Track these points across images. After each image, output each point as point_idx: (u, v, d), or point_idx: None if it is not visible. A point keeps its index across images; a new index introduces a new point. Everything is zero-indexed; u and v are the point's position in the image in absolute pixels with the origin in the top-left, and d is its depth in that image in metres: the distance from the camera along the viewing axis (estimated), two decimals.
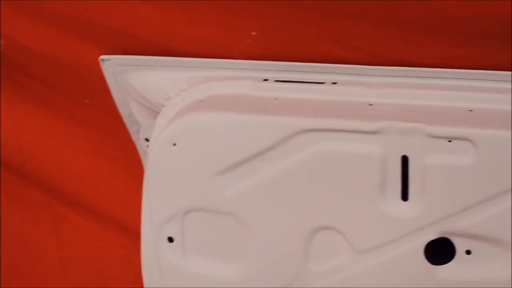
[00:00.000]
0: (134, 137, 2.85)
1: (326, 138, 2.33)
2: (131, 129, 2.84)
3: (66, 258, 3.40)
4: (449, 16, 2.23)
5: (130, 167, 2.98)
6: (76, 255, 3.38)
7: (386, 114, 2.30)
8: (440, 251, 2.34)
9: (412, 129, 2.25)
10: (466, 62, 2.30)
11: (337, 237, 2.39)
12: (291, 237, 2.42)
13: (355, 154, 2.33)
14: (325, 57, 2.41)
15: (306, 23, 2.36)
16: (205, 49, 2.50)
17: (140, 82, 2.63)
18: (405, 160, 2.30)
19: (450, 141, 2.25)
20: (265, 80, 2.50)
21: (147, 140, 2.79)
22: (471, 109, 2.30)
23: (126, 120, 2.82)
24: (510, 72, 2.31)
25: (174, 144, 2.43)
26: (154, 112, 2.63)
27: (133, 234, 2.83)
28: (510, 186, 2.26)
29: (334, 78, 2.44)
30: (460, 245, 2.34)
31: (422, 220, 2.32)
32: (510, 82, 2.33)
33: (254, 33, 2.42)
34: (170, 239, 2.54)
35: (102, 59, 2.65)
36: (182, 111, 2.49)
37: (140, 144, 2.85)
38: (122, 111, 2.80)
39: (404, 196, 2.33)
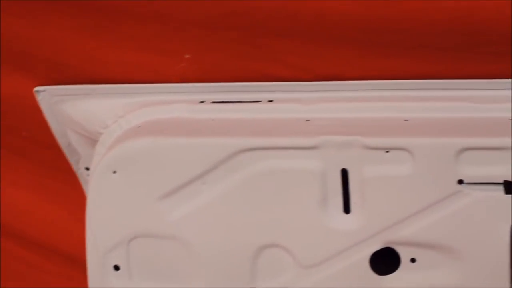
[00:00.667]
0: (74, 167, 2.80)
1: (265, 156, 2.30)
2: (71, 159, 2.79)
3: None
4: (380, 28, 2.22)
5: (73, 197, 2.92)
6: None
7: (323, 128, 2.30)
8: (385, 261, 2.33)
9: (349, 142, 2.24)
10: (399, 72, 2.31)
11: (283, 254, 2.37)
12: (237, 257, 2.39)
13: (295, 170, 2.30)
14: (260, 76, 2.39)
15: (239, 42, 2.34)
16: (139, 74, 2.46)
17: (76, 112, 2.58)
18: (344, 173, 2.28)
19: (387, 151, 2.24)
20: (202, 102, 2.48)
21: (87, 169, 2.74)
22: (407, 119, 2.26)
23: (65, 150, 2.77)
24: (443, 81, 2.33)
25: (114, 172, 2.39)
26: (93, 141, 2.58)
27: (79, 264, 2.78)
28: (448, 193, 2.22)
29: (270, 96, 2.42)
30: (404, 254, 2.33)
31: (365, 232, 2.30)
32: (444, 90, 2.31)
33: (187, 55, 2.39)
34: (116, 267, 2.49)
35: (37, 91, 2.60)
36: (120, 138, 2.44)
37: (81, 174, 2.80)
38: (61, 141, 2.75)
39: (346, 209, 2.32)
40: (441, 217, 2.25)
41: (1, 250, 3.20)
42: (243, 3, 2.23)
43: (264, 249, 2.37)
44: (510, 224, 2.24)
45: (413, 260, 2.32)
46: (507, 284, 2.30)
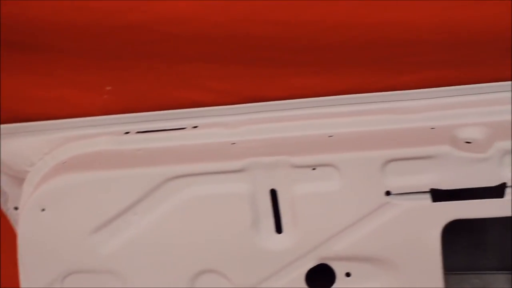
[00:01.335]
0: (3, 207, 2.72)
1: (194, 183, 2.29)
2: None
3: None
4: (299, 47, 2.22)
5: (4, 238, 2.83)
6: None
7: (249, 151, 2.29)
8: (321, 277, 2.32)
9: (275, 162, 2.22)
10: (321, 89, 2.31)
11: (219, 278, 2.38)
12: (174, 285, 2.33)
13: (225, 194, 2.30)
14: (183, 102, 2.37)
15: (159, 70, 2.32)
16: (62, 110, 2.43)
17: (1, 151, 2.49)
18: (273, 193, 2.26)
19: (314, 169, 2.25)
20: (127, 133, 2.45)
21: (16, 208, 2.65)
22: (331, 135, 2.25)
23: None
24: (365, 95, 2.36)
25: (43, 209, 2.35)
26: (20, 180, 2.51)
27: None
28: (377, 205, 2.24)
29: (194, 122, 2.42)
30: (339, 269, 2.34)
31: (299, 250, 2.30)
32: (366, 104, 2.36)
33: (108, 88, 2.36)
34: None
35: None
36: (47, 175, 2.40)
37: (10, 214, 2.72)
38: None
39: (278, 229, 2.31)
40: (372, 230, 2.24)
41: None
42: (160, 31, 2.19)
43: (200, 275, 2.36)
44: (440, 230, 2.18)
45: (348, 274, 2.31)
46: None
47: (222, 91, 2.33)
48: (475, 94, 2.27)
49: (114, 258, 2.34)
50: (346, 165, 2.19)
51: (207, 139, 2.36)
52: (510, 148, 2.16)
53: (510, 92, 2.26)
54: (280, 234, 2.32)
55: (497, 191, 2.17)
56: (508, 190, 2.19)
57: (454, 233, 2.30)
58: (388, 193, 2.21)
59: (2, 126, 2.47)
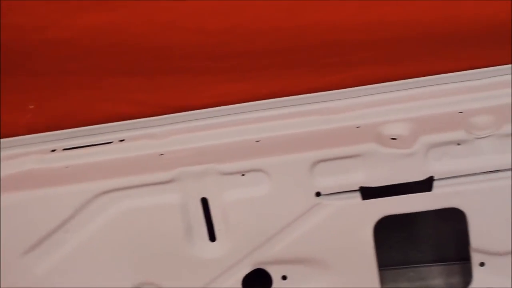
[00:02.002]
0: None
1: (124, 196, 2.26)
2: None
3: None
4: (221, 55, 2.23)
5: None
6: None
7: (178, 161, 2.26)
8: (257, 282, 2.30)
9: (204, 170, 2.22)
10: (245, 95, 2.28)
11: None
12: None
13: (156, 206, 2.28)
14: (109, 116, 2.32)
15: (82, 86, 2.28)
16: None
17: None
18: (205, 202, 2.23)
19: (243, 175, 2.23)
20: (53, 150, 2.39)
21: None
22: (258, 140, 2.23)
23: None
24: (290, 98, 2.38)
25: None
26: None
27: None
28: (308, 206, 2.26)
29: (121, 135, 2.39)
30: (275, 273, 2.34)
31: (234, 256, 2.29)
32: (291, 107, 2.40)
33: (31, 106, 2.30)
34: None
35: None
36: None
37: None
38: None
39: (212, 237, 2.29)
40: (305, 231, 2.24)
41: None
42: (80, 46, 2.15)
43: None
44: (372, 227, 2.18)
45: (284, 278, 2.31)
46: (377, 284, 2.32)
47: (147, 103, 2.30)
48: (398, 90, 2.25)
49: (49, 278, 2.32)
50: (274, 169, 2.17)
51: (135, 151, 2.33)
52: (434, 142, 2.18)
53: (434, 86, 2.22)
54: (214, 242, 2.31)
55: (425, 185, 2.19)
56: (435, 183, 2.13)
57: (387, 229, 2.29)
58: (318, 194, 2.21)
59: None
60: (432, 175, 2.19)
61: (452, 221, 2.29)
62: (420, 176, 2.21)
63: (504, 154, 2.17)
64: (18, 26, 2.16)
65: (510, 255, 2.24)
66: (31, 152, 2.39)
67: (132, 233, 2.28)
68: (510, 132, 2.15)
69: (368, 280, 2.27)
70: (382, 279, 2.31)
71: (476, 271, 2.26)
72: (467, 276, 2.28)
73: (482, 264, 2.24)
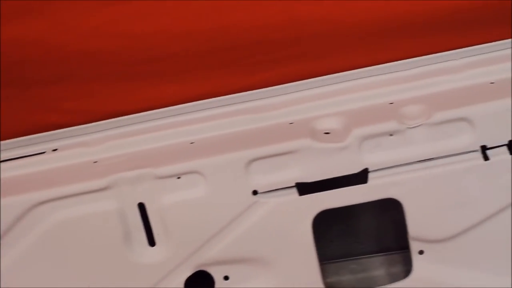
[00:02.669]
0: None
1: (61, 206, 2.24)
2: None
3: None
4: (146, 58, 2.19)
5: None
6: None
7: (112, 167, 2.24)
8: (200, 284, 2.27)
9: (140, 175, 2.19)
10: (176, 98, 2.27)
11: None
12: None
13: (93, 214, 2.26)
14: (41, 126, 2.28)
15: (12, 97, 2.24)
16: None
17: None
18: (142, 207, 2.20)
19: (179, 177, 2.21)
20: None
21: None
22: (192, 142, 2.22)
23: None
24: (221, 97, 2.37)
25: None
26: None
27: None
28: (246, 205, 2.27)
29: (54, 145, 2.37)
30: (216, 274, 2.35)
31: (174, 260, 2.29)
32: (223, 107, 2.40)
33: None
34: None
35: None
36: None
37: None
38: None
39: (151, 242, 2.27)
40: (244, 231, 2.23)
41: None
42: (7, 56, 2.11)
43: None
44: (310, 222, 2.17)
45: (226, 278, 2.31)
46: (319, 278, 2.33)
47: (78, 111, 2.27)
48: (328, 85, 2.25)
49: None
50: (210, 170, 2.16)
51: (68, 160, 2.28)
52: (367, 134, 2.20)
53: (364, 79, 2.23)
54: (154, 247, 2.29)
55: (360, 177, 2.20)
56: (371, 175, 2.13)
57: (326, 223, 2.28)
58: (255, 192, 2.19)
59: None
60: (367, 167, 2.20)
61: (390, 211, 2.30)
62: (355, 169, 2.22)
63: (436, 142, 2.16)
64: None
65: (448, 242, 2.20)
66: None
67: (71, 243, 2.25)
68: (441, 120, 2.11)
69: (310, 275, 2.27)
70: (325, 273, 2.31)
71: (416, 259, 2.27)
72: (408, 264, 2.27)
73: (421, 252, 2.25)
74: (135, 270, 2.25)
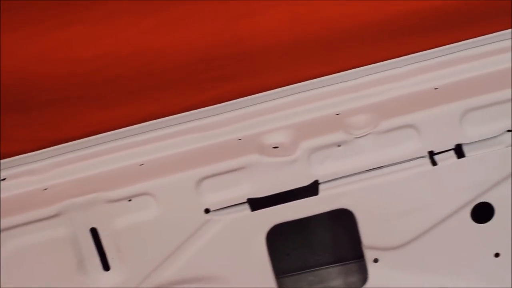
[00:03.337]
0: None
1: (12, 236, 2.22)
2: None
3: None
4: (92, 83, 2.22)
5: None
6: None
7: (63, 193, 2.22)
8: None
9: (90, 200, 2.18)
10: (119, 121, 2.26)
11: None
12: None
13: (45, 242, 2.25)
14: None
15: None
16: None
17: None
18: (94, 232, 2.18)
19: (130, 200, 2.19)
20: None
21: None
22: (142, 163, 2.24)
23: None
24: (168, 118, 2.36)
25: None
26: None
27: None
28: (199, 224, 2.27)
29: (2, 174, 2.29)
30: None
31: (130, 283, 2.30)
32: (170, 127, 2.38)
33: None
34: None
35: None
36: None
37: None
38: None
39: (105, 266, 2.25)
40: (199, 249, 2.24)
41: None
42: None
43: None
44: (264, 237, 2.18)
45: None
46: None
47: (24, 139, 2.26)
48: (274, 99, 2.24)
49: None
50: (160, 191, 2.15)
51: (17, 189, 2.25)
52: (315, 146, 2.21)
53: (309, 91, 2.23)
54: (108, 271, 2.27)
55: (311, 190, 2.20)
56: (321, 187, 2.12)
57: (282, 236, 2.27)
58: (207, 210, 2.19)
59: None
60: (317, 179, 2.19)
61: (344, 221, 2.29)
62: (306, 181, 2.22)
63: (384, 150, 2.16)
64: None
65: (402, 248, 2.20)
66: None
67: (24, 273, 2.24)
68: (388, 128, 2.11)
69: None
70: (283, 286, 2.28)
71: (371, 268, 2.27)
72: (364, 273, 2.27)
73: (376, 260, 2.25)
74: None
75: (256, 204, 2.20)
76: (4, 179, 2.30)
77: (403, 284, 2.29)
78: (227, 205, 2.23)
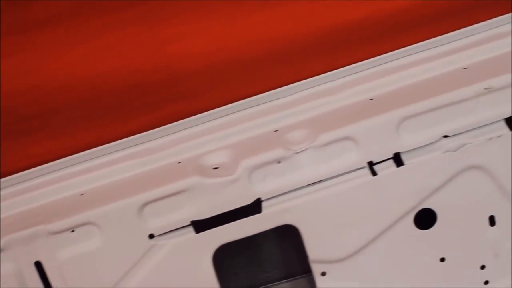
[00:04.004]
0: None
1: None
2: None
3: None
4: (28, 115, 2.22)
5: None
6: None
7: (4, 229, 2.25)
8: None
9: (33, 234, 2.18)
10: (57, 152, 2.27)
11: None
12: None
13: None
14: None
15: None
16: None
17: None
18: (39, 265, 2.15)
19: (73, 231, 2.17)
20: None
21: None
22: (83, 193, 2.25)
23: None
24: (103, 146, 2.33)
25: None
26: None
27: None
28: (144, 250, 2.27)
29: None
30: None
31: None
32: (111, 153, 2.36)
33: None
34: None
35: None
36: None
37: None
38: None
39: None
40: (145, 275, 2.26)
41: None
42: None
43: None
44: (210, 258, 2.19)
45: None
46: None
47: None
48: (210, 120, 2.24)
49: None
50: (103, 220, 2.15)
51: None
52: (256, 164, 2.21)
53: (244, 110, 2.26)
54: None
55: (254, 208, 2.21)
56: (264, 204, 2.13)
57: (229, 256, 2.26)
58: (151, 236, 2.17)
59: None
60: (260, 196, 2.19)
61: (291, 237, 2.28)
62: (248, 200, 2.22)
63: (324, 163, 2.17)
64: None
65: (348, 260, 2.21)
66: None
67: None
68: (326, 141, 2.12)
69: None
70: None
71: (319, 281, 2.28)
72: (313, 287, 2.25)
73: (323, 274, 2.26)
74: None
75: (200, 226, 2.19)
76: None
77: None
78: (171, 229, 2.20)
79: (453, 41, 2.27)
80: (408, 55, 2.26)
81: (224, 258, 2.25)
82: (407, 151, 2.18)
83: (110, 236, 2.15)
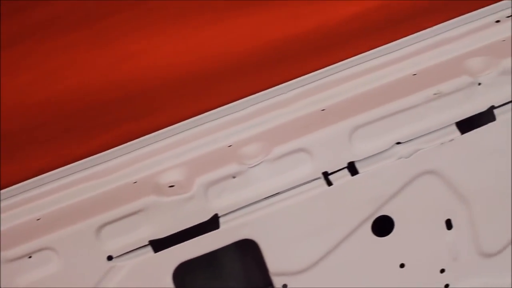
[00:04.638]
0: None
1: None
2: None
3: None
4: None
5: None
6: None
7: None
8: None
9: None
10: (14, 177, 2.20)
11: None
12: None
13: None
14: None
15: None
16: None
17: None
18: None
19: (30, 257, 2.16)
20: None
21: None
22: (38, 218, 2.22)
23: None
24: (56, 171, 2.32)
25: None
26: None
27: None
28: (103, 272, 2.25)
29: None
30: None
31: None
32: (60, 179, 2.33)
33: None
34: None
35: None
36: None
37: None
38: None
39: None
40: None
41: None
42: None
43: None
44: (170, 277, 2.25)
45: None
46: None
47: None
48: (165, 138, 2.23)
49: None
50: (60, 244, 2.14)
51: None
52: (211, 180, 2.22)
53: (197, 127, 2.25)
54: None
55: (211, 224, 2.21)
56: (221, 220, 2.12)
57: (191, 273, 2.25)
58: (110, 257, 2.16)
59: None
60: (216, 212, 2.18)
61: (252, 250, 2.26)
62: (205, 217, 2.22)
63: (279, 176, 2.17)
64: None
65: (308, 271, 2.22)
66: None
67: None
68: (280, 154, 2.13)
69: None
70: None
71: None
72: None
73: (285, 286, 2.26)
74: None
75: (158, 245, 2.18)
76: None
77: None
78: (130, 250, 2.18)
79: (401, 48, 2.26)
80: (356, 64, 2.26)
81: (185, 275, 2.24)
82: (361, 160, 2.18)
83: (68, 260, 2.14)
